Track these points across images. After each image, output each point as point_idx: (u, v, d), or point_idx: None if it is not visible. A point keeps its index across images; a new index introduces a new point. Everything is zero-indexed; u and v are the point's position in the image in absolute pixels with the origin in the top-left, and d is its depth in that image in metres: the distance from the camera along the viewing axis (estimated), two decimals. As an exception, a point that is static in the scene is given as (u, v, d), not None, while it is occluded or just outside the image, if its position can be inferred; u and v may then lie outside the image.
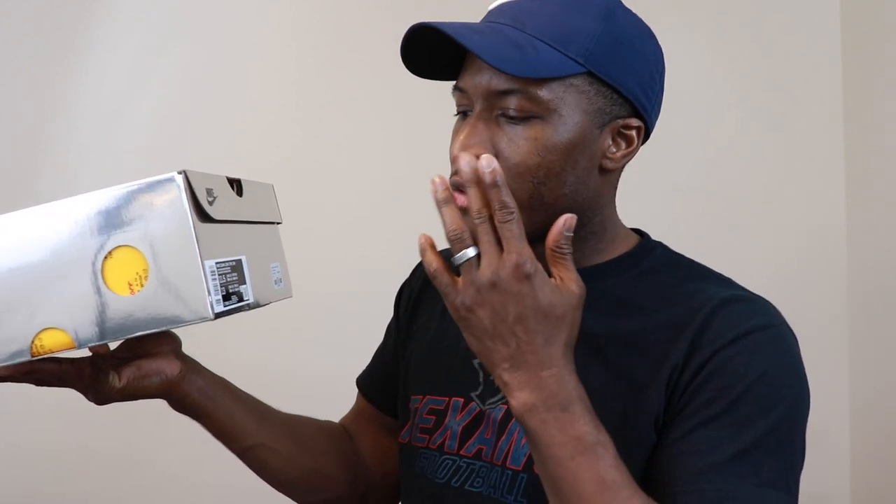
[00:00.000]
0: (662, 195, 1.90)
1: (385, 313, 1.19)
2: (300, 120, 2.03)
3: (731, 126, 1.94)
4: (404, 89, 1.99)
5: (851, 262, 1.92)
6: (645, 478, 0.83)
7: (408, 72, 0.91)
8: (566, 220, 0.77)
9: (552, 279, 0.77)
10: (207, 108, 2.03)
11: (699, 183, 1.95)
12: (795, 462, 0.83)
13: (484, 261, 0.76)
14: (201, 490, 2.02)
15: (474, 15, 0.92)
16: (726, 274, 0.95)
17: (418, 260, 1.19)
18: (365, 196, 2.01)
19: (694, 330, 0.83)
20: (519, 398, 0.76)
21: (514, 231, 0.75)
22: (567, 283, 0.77)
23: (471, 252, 0.76)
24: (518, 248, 0.75)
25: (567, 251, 0.77)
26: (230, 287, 0.78)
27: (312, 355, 2.00)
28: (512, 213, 0.75)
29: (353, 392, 1.19)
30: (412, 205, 1.98)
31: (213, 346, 1.08)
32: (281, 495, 1.88)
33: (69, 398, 1.87)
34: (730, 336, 0.82)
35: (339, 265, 1.98)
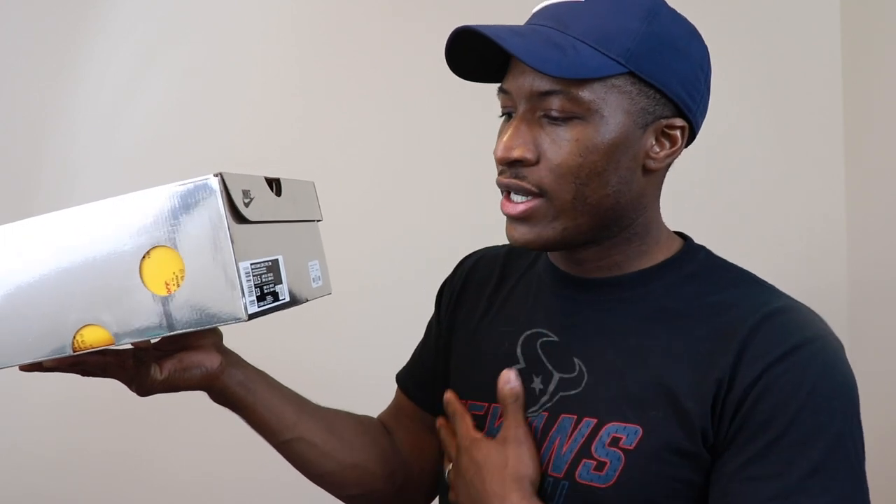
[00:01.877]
0: (661, 195, 1.91)
1: (417, 308, 1.20)
2: (302, 118, 2.03)
3: (730, 126, 1.95)
4: (408, 86, 2.01)
5: (851, 262, 1.93)
6: None
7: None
8: (506, 374, 0.94)
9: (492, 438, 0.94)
10: (208, 107, 2.03)
11: (699, 182, 1.96)
12: (863, 467, 0.83)
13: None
14: (201, 490, 2.02)
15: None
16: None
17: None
18: (368, 194, 2.02)
19: (738, 344, 0.84)
20: None
21: None
22: (503, 433, 0.92)
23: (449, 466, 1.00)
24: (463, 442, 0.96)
25: (510, 403, 0.93)
26: (265, 287, 0.79)
27: (349, 351, 2.02)
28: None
29: (389, 388, 1.20)
30: (423, 201, 2.01)
31: (251, 341, 1.08)
32: (277, 494, 1.88)
33: (68, 399, 1.88)
34: (777, 353, 0.82)
35: (364, 261, 1.99)
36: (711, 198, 1.98)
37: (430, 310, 1.20)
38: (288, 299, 0.84)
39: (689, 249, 0.97)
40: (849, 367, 0.86)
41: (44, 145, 1.99)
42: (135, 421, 1.91)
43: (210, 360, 0.92)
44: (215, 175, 0.74)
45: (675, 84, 0.86)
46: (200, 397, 0.98)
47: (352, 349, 2.00)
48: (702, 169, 1.95)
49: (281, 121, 2.03)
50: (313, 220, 0.97)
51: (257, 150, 1.99)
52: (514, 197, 0.89)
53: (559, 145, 0.85)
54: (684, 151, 0.94)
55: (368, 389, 1.23)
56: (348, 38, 2.03)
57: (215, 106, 2.03)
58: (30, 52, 1.98)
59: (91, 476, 2.02)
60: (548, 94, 0.84)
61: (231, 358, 0.96)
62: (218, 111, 2.03)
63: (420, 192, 2.02)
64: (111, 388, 0.93)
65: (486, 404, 0.99)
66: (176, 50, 2.03)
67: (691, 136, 0.92)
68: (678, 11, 0.90)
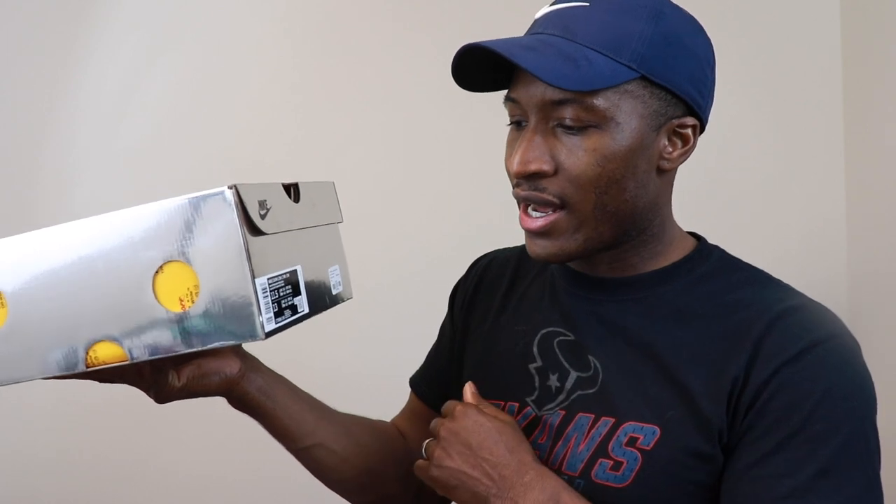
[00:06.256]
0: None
1: (417, 309, 1.19)
2: (303, 120, 2.03)
3: (730, 126, 1.94)
4: (410, 89, 2.01)
5: (851, 261, 1.93)
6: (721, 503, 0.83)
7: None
8: (470, 387, 0.95)
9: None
10: (208, 108, 2.02)
11: (699, 182, 1.95)
12: (876, 469, 0.82)
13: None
14: (202, 490, 2.02)
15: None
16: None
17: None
18: (370, 197, 2.01)
19: (752, 342, 0.83)
20: None
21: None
22: (499, 415, 0.91)
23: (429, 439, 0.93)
24: (456, 407, 0.91)
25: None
26: (283, 301, 0.76)
27: (353, 353, 2.02)
28: None
29: (400, 390, 1.20)
30: (426, 204, 2.00)
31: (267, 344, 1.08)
32: (278, 494, 1.88)
33: (68, 401, 1.87)
34: (792, 351, 0.81)
35: (365, 262, 1.96)
36: (711, 197, 1.97)
37: (436, 311, 1.19)
38: (307, 311, 0.81)
39: (703, 249, 0.96)
40: (864, 366, 0.84)
41: (44, 145, 1.99)
42: (135, 422, 1.90)
43: (229, 366, 0.89)
44: (230, 187, 0.71)
45: (684, 83, 0.85)
46: (200, 399, 0.97)
47: (357, 352, 2.00)
48: (702, 169, 1.94)
49: (282, 122, 2.03)
50: (333, 223, 0.94)
51: (258, 152, 1.98)
52: (532, 212, 0.87)
53: (576, 156, 0.83)
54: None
55: (382, 392, 1.22)
56: (349, 42, 2.03)
57: (216, 107, 2.03)
58: (30, 52, 1.97)
59: (91, 477, 2.02)
60: (560, 103, 0.83)
61: (251, 363, 0.93)
62: (218, 113, 2.02)
63: (422, 195, 2.02)
64: (110, 391, 0.92)
65: (503, 402, 0.98)
66: (177, 51, 2.02)
67: (700, 131, 0.91)
68: (680, 6, 0.88)
